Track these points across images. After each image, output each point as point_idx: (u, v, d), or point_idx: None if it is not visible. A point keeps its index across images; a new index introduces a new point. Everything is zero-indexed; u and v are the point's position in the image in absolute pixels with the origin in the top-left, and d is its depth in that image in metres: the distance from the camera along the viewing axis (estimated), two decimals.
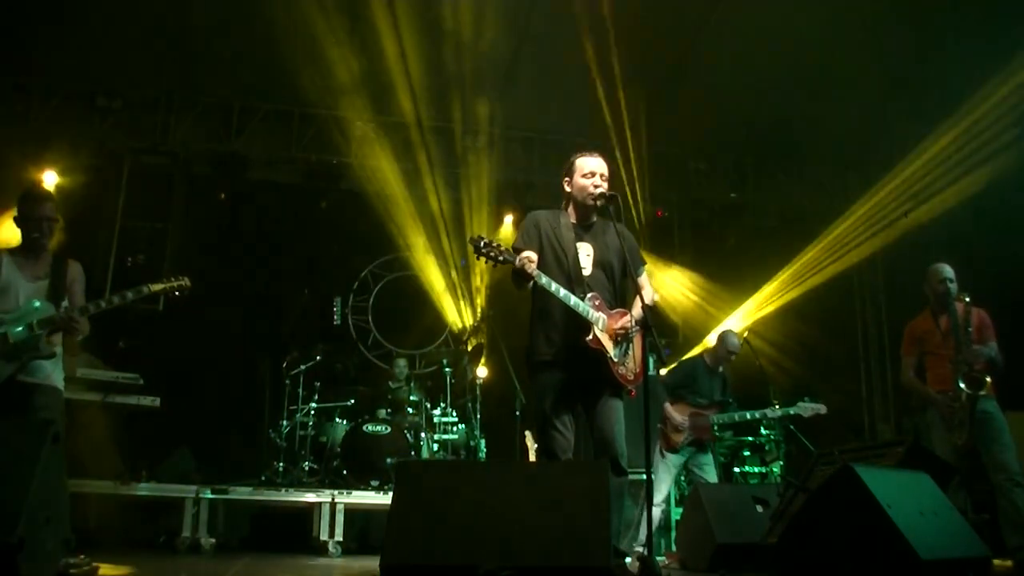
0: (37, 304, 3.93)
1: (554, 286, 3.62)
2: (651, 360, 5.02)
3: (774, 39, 7.16)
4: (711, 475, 6.09)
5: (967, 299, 5.04)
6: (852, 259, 9.42)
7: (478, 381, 7.53)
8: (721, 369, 6.34)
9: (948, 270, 5.16)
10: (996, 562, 4.11)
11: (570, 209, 3.96)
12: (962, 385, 4.83)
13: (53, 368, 4.01)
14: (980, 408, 4.81)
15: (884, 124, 8.30)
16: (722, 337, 6.37)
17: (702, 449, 6.12)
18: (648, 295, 3.89)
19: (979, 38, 6.83)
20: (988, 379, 4.83)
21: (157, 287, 4.16)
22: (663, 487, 6.04)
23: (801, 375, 8.77)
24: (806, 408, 6.24)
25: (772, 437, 7.30)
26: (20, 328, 3.86)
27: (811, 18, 6.95)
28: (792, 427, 7.12)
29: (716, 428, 6.16)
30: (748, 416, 6.20)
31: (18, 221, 4.08)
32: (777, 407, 6.25)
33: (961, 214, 7.75)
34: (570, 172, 3.94)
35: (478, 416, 7.38)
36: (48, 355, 3.93)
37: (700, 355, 6.60)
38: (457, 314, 9.08)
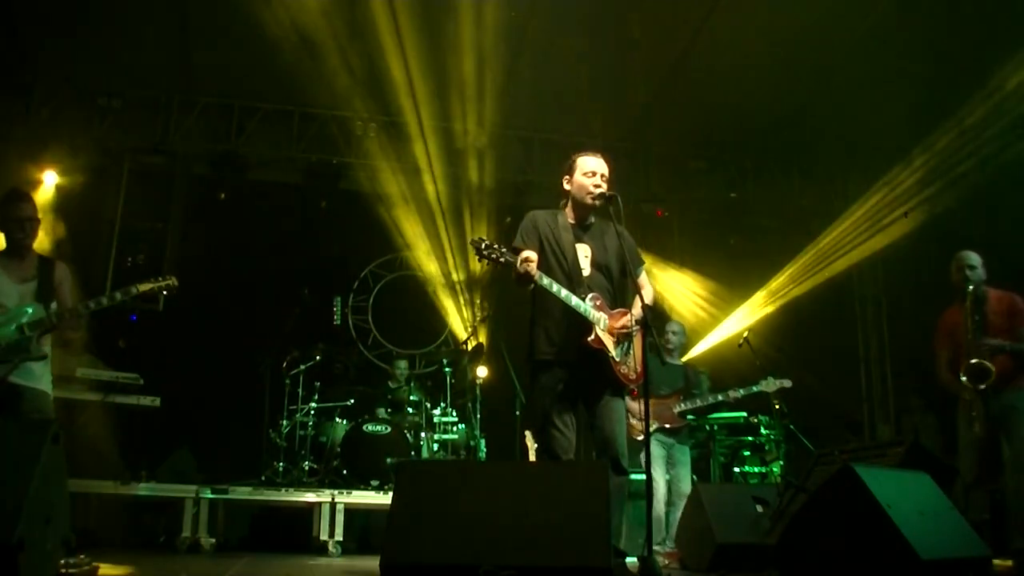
0: (27, 306, 3.93)
1: (555, 287, 3.61)
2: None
3: (774, 38, 7.17)
4: (683, 476, 6.02)
5: (982, 288, 4.84)
6: (852, 259, 9.44)
7: (478, 381, 7.53)
8: (680, 361, 6.40)
9: (969, 257, 4.93)
10: (996, 562, 4.10)
11: (568, 209, 3.95)
12: (964, 378, 4.69)
13: (43, 372, 4.01)
14: (1002, 402, 4.65)
15: (884, 123, 8.29)
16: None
17: (673, 436, 6.05)
18: (648, 295, 3.89)
19: (980, 37, 6.83)
20: (993, 369, 4.61)
21: (144, 287, 4.18)
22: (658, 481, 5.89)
23: (800, 374, 8.78)
24: (771, 384, 6.20)
25: (772, 437, 7.29)
26: (11, 330, 3.86)
27: (812, 17, 6.95)
28: (792, 427, 7.11)
29: (680, 413, 6.08)
30: (712, 399, 6.13)
31: (0, 224, 4.08)
32: (740, 389, 6.20)
33: (961, 211, 7.73)
34: (571, 170, 3.93)
35: (478, 416, 7.37)
36: (40, 357, 3.93)
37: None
38: (457, 314, 9.08)
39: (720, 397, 6.18)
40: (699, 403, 6.10)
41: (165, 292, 4.26)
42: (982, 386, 4.66)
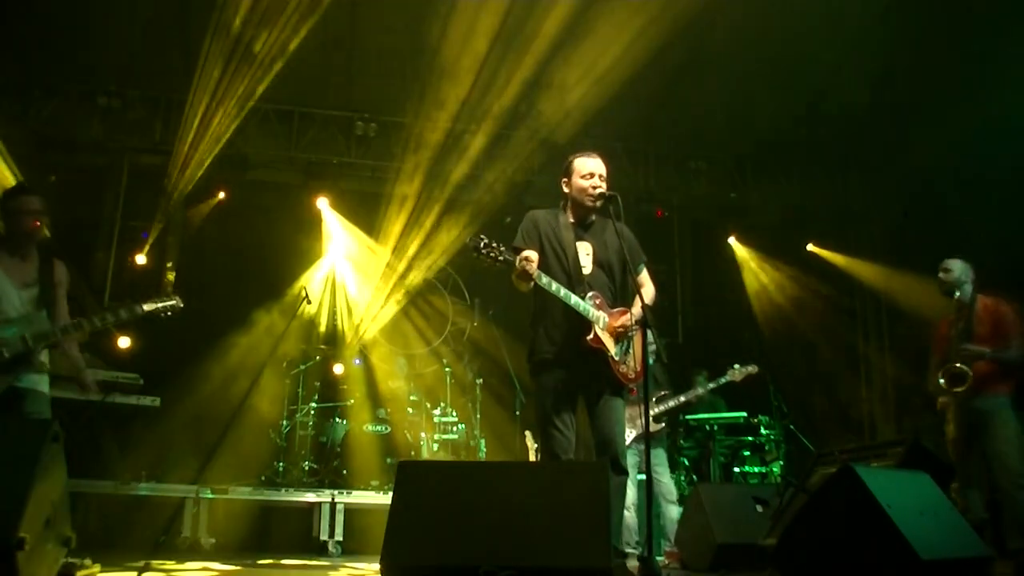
0: (29, 315, 3.89)
1: (555, 286, 3.61)
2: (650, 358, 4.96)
3: (774, 38, 7.17)
4: (663, 476, 5.94)
5: (965, 293, 4.92)
6: (852, 258, 9.43)
7: (478, 381, 7.53)
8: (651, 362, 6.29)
9: (947, 263, 5.02)
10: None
11: (568, 209, 3.95)
12: (940, 381, 4.77)
13: (42, 376, 3.99)
14: (977, 406, 4.74)
15: (884, 122, 8.29)
16: None
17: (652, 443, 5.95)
18: (648, 293, 3.88)
19: (980, 37, 6.83)
20: (970, 374, 4.67)
21: (149, 307, 4.12)
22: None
23: (801, 374, 8.79)
24: (737, 372, 6.14)
25: (772, 437, 7.30)
26: (11, 334, 3.83)
27: (812, 17, 6.96)
28: (792, 427, 7.11)
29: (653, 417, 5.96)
30: (683, 398, 6.02)
31: (7, 217, 3.97)
32: (709, 383, 6.14)
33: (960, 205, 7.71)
34: (568, 173, 3.91)
35: (478, 416, 7.38)
36: (42, 370, 3.92)
37: None
38: (456, 314, 9.08)
39: (690, 394, 6.12)
40: (671, 404, 5.98)
41: (169, 313, 4.22)
42: (956, 390, 4.74)
